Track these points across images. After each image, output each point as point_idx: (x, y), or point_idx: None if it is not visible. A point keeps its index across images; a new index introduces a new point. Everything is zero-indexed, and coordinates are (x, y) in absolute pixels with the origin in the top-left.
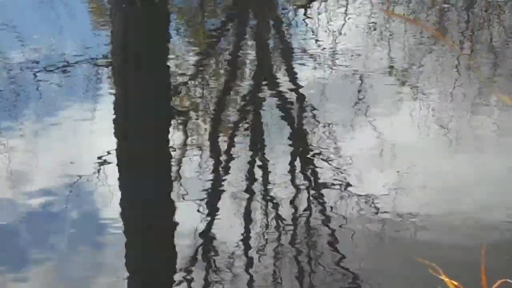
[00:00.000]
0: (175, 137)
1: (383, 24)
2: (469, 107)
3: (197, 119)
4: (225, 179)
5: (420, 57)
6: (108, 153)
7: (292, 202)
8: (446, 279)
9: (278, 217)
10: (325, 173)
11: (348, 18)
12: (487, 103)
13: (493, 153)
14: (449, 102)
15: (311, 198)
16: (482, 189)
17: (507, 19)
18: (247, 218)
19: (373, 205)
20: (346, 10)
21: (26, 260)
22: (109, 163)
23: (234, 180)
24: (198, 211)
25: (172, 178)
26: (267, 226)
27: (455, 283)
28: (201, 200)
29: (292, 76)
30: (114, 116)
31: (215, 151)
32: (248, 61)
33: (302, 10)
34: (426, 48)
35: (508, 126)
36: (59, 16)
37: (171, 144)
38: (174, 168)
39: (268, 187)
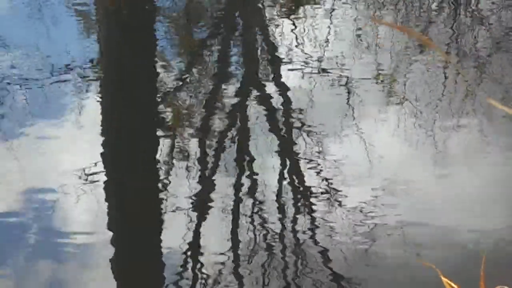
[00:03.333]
0: (161, 146)
1: (370, 31)
2: (456, 115)
3: (183, 128)
4: (212, 189)
5: (407, 64)
6: (95, 164)
7: (279, 210)
8: (445, 280)
9: (265, 227)
10: (312, 181)
11: (334, 26)
12: (475, 111)
13: (479, 161)
14: (436, 110)
15: (298, 205)
16: (468, 196)
17: (494, 25)
18: (234, 228)
19: (359, 213)
20: (331, 17)
21: None
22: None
23: (220, 190)
24: (184, 223)
25: (159, 189)
26: (254, 236)
27: (454, 285)
28: (187, 211)
29: (279, 83)
30: (100, 126)
31: (201, 160)
32: (234, 69)
33: (288, 17)
34: (413, 56)
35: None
36: (45, 24)
37: (157, 153)
38: (161, 178)
39: (255, 197)
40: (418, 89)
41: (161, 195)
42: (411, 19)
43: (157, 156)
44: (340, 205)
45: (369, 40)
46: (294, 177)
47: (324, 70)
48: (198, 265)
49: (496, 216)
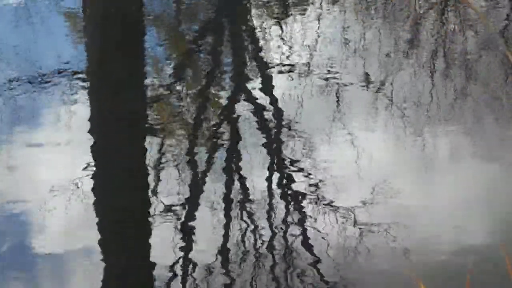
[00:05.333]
0: (151, 150)
1: (359, 35)
2: (445, 120)
3: (173, 132)
4: (202, 192)
5: (395, 68)
6: (85, 169)
7: (269, 214)
8: None
9: (255, 229)
10: (301, 185)
11: (323, 29)
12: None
13: (470, 163)
14: (425, 113)
15: (288, 209)
16: (459, 199)
17: None
18: (225, 230)
19: (349, 216)
20: (319, 21)
21: None
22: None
23: (211, 193)
24: (175, 225)
25: (149, 192)
26: (243, 238)
27: None
28: (177, 214)
29: (268, 87)
30: (89, 131)
31: (191, 164)
32: (223, 73)
33: (277, 21)
34: (401, 59)
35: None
36: (34, 28)
37: (147, 157)
38: (150, 182)
39: (245, 199)
40: (405, 92)
41: (150, 198)
42: None
43: (146, 160)
44: (327, 207)
45: (357, 43)
46: (282, 179)
47: (312, 73)
48: (189, 267)
49: (481, 217)
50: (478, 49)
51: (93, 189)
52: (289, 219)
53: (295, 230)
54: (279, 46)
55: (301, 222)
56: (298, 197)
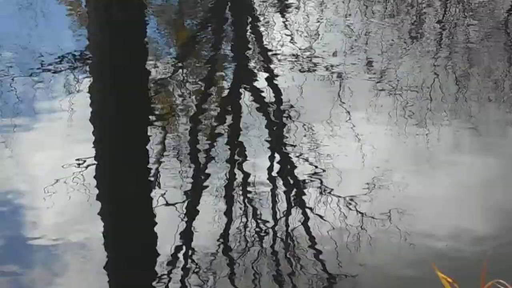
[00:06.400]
0: (152, 139)
1: (361, 25)
2: (446, 107)
3: (175, 120)
4: (204, 180)
5: (397, 56)
6: (85, 158)
7: (273, 202)
8: (441, 275)
9: (258, 217)
10: (304, 172)
11: (325, 19)
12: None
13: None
14: (427, 102)
15: (291, 197)
16: (459, 188)
17: None
18: (228, 219)
19: (351, 205)
20: (322, 11)
21: None
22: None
23: (214, 181)
24: (178, 214)
25: (151, 181)
26: (245, 229)
27: (449, 279)
28: (180, 202)
29: (271, 76)
30: (91, 119)
31: (193, 153)
32: (226, 62)
33: (280, 11)
34: (403, 49)
35: None
36: (37, 17)
37: (149, 146)
38: (152, 171)
39: (247, 187)
40: (407, 82)
41: (153, 188)
42: None
43: (149, 149)
44: (330, 195)
45: (360, 34)
46: (285, 168)
47: (314, 63)
48: (191, 259)
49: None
50: None
51: (95, 179)
52: (291, 205)
53: (298, 215)
54: (282, 35)
55: (304, 207)
56: (300, 184)
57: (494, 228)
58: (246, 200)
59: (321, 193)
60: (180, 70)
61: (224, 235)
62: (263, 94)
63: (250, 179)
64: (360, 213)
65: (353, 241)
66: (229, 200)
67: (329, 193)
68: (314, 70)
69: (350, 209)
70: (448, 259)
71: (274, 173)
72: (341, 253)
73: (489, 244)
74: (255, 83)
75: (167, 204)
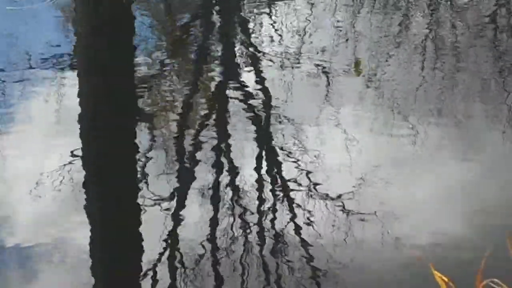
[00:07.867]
0: (140, 137)
1: (348, 23)
2: (432, 104)
3: (162, 119)
4: (192, 180)
5: (384, 54)
6: (72, 155)
7: (259, 202)
8: (437, 274)
9: (245, 218)
10: (291, 172)
11: (313, 18)
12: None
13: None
14: (413, 99)
15: (277, 196)
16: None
17: None
18: (214, 218)
19: (339, 204)
20: (312, 9)
21: None
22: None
23: (201, 181)
24: (165, 212)
25: (139, 179)
26: (233, 228)
27: (445, 278)
28: (167, 200)
29: (258, 75)
30: (79, 118)
31: (180, 151)
32: (213, 61)
33: (267, 10)
34: (390, 46)
35: None
36: (25, 16)
37: (136, 144)
38: (140, 169)
39: (235, 187)
40: (395, 82)
41: (141, 187)
42: None
43: (136, 148)
44: (318, 195)
45: (347, 31)
46: (273, 167)
47: (302, 61)
48: (179, 257)
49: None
50: None
51: (84, 175)
52: (278, 205)
53: (286, 216)
54: (270, 33)
55: (292, 207)
56: (288, 183)
57: (489, 228)
58: (233, 198)
59: (307, 192)
60: (168, 68)
61: (212, 234)
62: (250, 91)
63: (237, 178)
64: (349, 212)
65: (342, 240)
66: (215, 199)
67: (316, 192)
68: (299, 68)
69: (338, 209)
70: (444, 259)
71: (261, 172)
72: (330, 253)
73: (486, 244)
74: (243, 81)
75: (155, 203)
